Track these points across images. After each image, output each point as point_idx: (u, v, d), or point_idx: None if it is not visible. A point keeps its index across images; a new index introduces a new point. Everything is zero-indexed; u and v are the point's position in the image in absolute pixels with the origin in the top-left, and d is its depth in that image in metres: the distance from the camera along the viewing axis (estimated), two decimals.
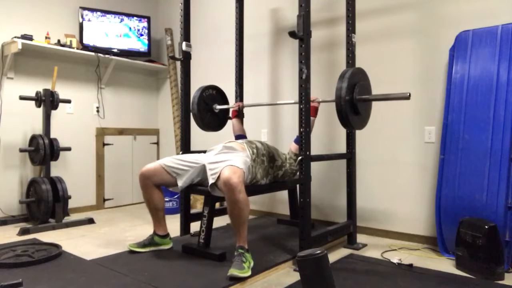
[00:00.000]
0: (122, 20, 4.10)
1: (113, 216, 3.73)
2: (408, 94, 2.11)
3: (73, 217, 3.50)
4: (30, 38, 3.38)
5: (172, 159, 2.42)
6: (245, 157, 2.34)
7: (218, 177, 2.12)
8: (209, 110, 3.02)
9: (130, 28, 4.16)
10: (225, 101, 3.16)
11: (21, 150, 3.29)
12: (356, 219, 2.73)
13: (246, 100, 3.41)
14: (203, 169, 2.35)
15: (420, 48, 2.76)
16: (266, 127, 3.63)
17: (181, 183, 2.36)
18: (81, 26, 3.85)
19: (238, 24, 3.35)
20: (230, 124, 3.15)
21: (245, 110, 3.36)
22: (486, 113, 2.31)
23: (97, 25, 3.95)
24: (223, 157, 2.33)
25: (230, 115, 3.16)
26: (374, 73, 2.96)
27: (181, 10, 2.87)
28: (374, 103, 2.92)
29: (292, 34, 2.20)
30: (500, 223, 2.13)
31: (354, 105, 2.22)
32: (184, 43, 2.87)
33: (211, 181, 2.17)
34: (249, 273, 1.98)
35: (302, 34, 2.18)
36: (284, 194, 3.22)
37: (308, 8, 2.21)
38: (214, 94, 3.06)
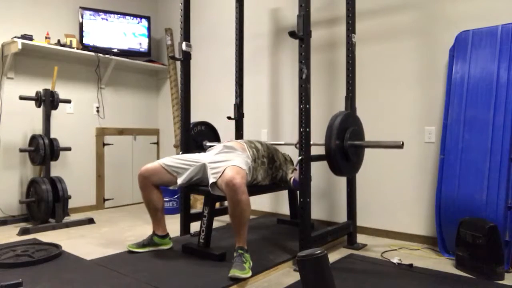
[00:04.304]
0: (122, 20, 4.10)
1: (113, 216, 3.73)
2: (401, 142, 2.10)
3: (73, 217, 3.50)
4: (30, 38, 3.37)
5: (172, 159, 2.42)
6: (246, 158, 2.34)
7: (220, 176, 2.13)
8: (199, 146, 3.01)
9: (130, 28, 4.16)
10: (216, 136, 3.16)
11: (21, 150, 3.29)
12: (356, 219, 2.73)
13: (246, 99, 3.41)
14: (203, 168, 2.34)
15: (420, 48, 2.76)
16: (266, 127, 3.63)
17: (180, 180, 2.35)
18: (81, 26, 3.85)
19: (238, 24, 3.35)
20: (229, 126, 3.15)
21: (245, 110, 3.37)
22: (486, 113, 2.31)
23: (97, 25, 3.95)
24: (224, 156, 2.33)
25: None
26: (374, 74, 2.96)
27: (181, 10, 2.87)
28: (374, 99, 2.94)
29: (292, 34, 2.20)
30: (500, 223, 2.13)
31: (345, 150, 2.21)
32: (184, 43, 2.87)
33: (212, 180, 2.17)
34: (250, 273, 1.98)
35: (302, 34, 2.18)
36: (284, 194, 3.22)
37: (308, 8, 2.21)
38: (203, 129, 3.07)
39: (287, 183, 2.60)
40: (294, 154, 2.68)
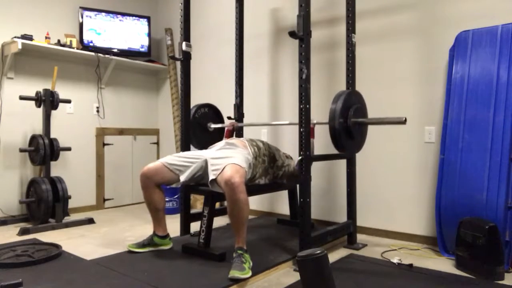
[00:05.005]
0: (122, 20, 4.10)
1: (113, 216, 3.73)
2: (404, 118, 2.10)
3: (73, 217, 3.50)
4: (30, 38, 3.38)
5: (173, 157, 2.43)
6: (247, 155, 2.35)
7: (219, 174, 2.13)
8: (203, 129, 3.01)
9: (130, 28, 4.16)
10: (220, 119, 3.16)
11: (21, 150, 3.29)
12: (356, 219, 2.73)
13: (246, 99, 3.41)
14: (205, 164, 2.35)
15: (420, 48, 2.76)
16: (266, 127, 3.63)
17: (183, 178, 2.35)
18: (81, 26, 3.85)
19: (238, 24, 3.35)
20: None
21: (245, 110, 3.37)
22: (486, 113, 2.31)
23: (97, 25, 3.95)
24: (225, 153, 2.34)
25: (224, 135, 3.07)
26: (374, 73, 2.96)
27: (181, 10, 2.87)
28: (374, 99, 2.93)
29: (292, 34, 2.20)
30: (500, 223, 2.13)
31: (348, 128, 2.21)
32: (184, 43, 2.87)
33: (211, 176, 2.18)
34: (250, 273, 1.98)
35: (302, 34, 2.18)
36: (284, 194, 3.22)
37: (308, 8, 2.21)
38: (207, 112, 3.06)
39: (292, 176, 2.60)
40: (294, 152, 2.68)
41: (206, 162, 2.33)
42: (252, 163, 2.35)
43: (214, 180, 2.17)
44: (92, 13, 3.93)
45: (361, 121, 2.27)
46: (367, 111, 2.45)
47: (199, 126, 2.99)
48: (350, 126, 2.20)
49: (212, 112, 3.11)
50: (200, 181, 2.44)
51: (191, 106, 2.94)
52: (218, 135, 3.12)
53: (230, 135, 3.07)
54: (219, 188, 2.16)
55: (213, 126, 3.03)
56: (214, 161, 2.26)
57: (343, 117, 2.18)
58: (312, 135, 2.48)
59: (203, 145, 3.00)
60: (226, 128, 3.09)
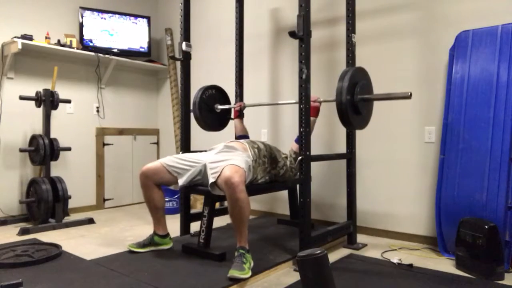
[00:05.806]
0: (122, 20, 4.10)
1: (113, 216, 3.73)
2: (409, 93, 2.12)
3: (73, 217, 3.50)
4: (30, 38, 3.38)
5: (173, 158, 2.42)
6: (246, 157, 2.34)
7: (219, 176, 2.13)
8: (211, 110, 3.02)
9: (130, 28, 4.16)
10: (227, 100, 3.16)
11: (21, 150, 3.30)
12: (356, 219, 2.73)
13: (247, 100, 3.41)
14: (203, 169, 2.35)
15: (420, 48, 2.76)
16: (266, 127, 3.63)
17: (181, 181, 2.35)
18: (81, 26, 3.85)
19: (238, 24, 3.35)
20: (232, 124, 3.15)
21: (245, 110, 3.36)
22: (486, 113, 2.31)
23: (97, 25, 3.95)
24: (224, 156, 2.33)
25: (232, 115, 3.15)
26: (374, 73, 2.95)
27: (181, 10, 2.87)
28: (374, 103, 2.93)
29: (292, 34, 2.20)
30: (500, 223, 2.13)
31: (355, 105, 2.21)
32: (184, 43, 2.87)
33: (211, 180, 2.18)
34: (249, 274, 1.98)
35: (302, 34, 2.18)
36: (284, 194, 3.22)
37: (308, 8, 2.21)
38: (214, 93, 3.06)
39: (294, 175, 2.63)
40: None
41: (205, 167, 2.33)
42: (252, 166, 2.35)
43: (214, 183, 2.16)
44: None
45: (367, 97, 2.28)
46: (372, 86, 2.45)
47: (206, 108, 2.99)
48: (357, 102, 2.21)
49: (218, 93, 3.10)
50: (199, 185, 2.43)
51: (196, 91, 2.97)
52: (225, 116, 3.14)
53: (238, 116, 3.11)
54: (219, 190, 2.16)
55: (220, 107, 3.04)
56: (213, 164, 2.26)
57: (350, 93, 2.18)
58: (315, 114, 2.55)
59: (210, 127, 3.03)
60: (233, 109, 3.11)
